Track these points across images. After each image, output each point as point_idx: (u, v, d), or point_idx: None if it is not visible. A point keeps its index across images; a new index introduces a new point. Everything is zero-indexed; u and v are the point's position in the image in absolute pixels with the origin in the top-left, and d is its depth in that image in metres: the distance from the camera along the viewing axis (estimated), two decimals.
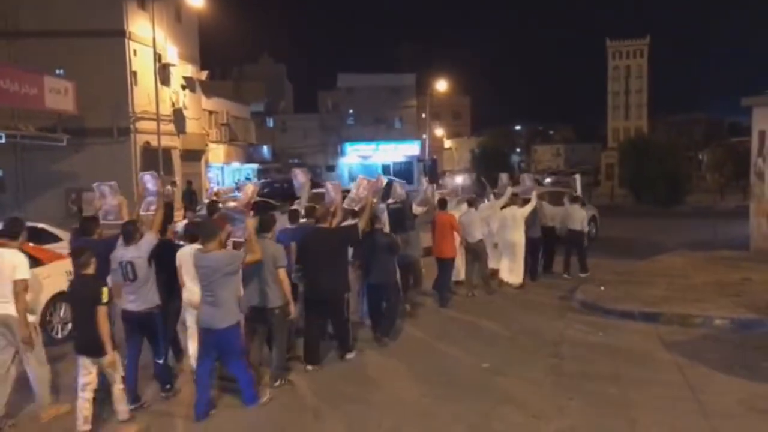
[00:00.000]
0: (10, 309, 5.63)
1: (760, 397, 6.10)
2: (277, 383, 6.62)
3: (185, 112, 27.40)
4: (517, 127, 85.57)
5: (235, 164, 38.21)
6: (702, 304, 9.26)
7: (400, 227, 9.43)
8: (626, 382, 6.65)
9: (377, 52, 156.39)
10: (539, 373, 7.00)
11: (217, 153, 34.12)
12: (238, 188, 32.76)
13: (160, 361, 6.30)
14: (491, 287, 11.17)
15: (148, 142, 24.59)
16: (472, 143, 58.33)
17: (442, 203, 10.72)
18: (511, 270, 11.47)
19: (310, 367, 7.17)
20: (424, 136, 52.91)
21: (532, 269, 11.99)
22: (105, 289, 5.42)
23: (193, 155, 29.16)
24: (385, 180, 9.66)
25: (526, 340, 8.33)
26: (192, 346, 6.72)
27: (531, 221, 11.64)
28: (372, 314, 8.52)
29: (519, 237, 11.42)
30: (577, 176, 14.31)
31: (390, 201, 9.66)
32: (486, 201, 12.19)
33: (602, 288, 10.84)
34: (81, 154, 22.68)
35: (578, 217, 12.44)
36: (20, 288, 5.63)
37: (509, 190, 11.93)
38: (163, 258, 6.36)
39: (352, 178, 51.26)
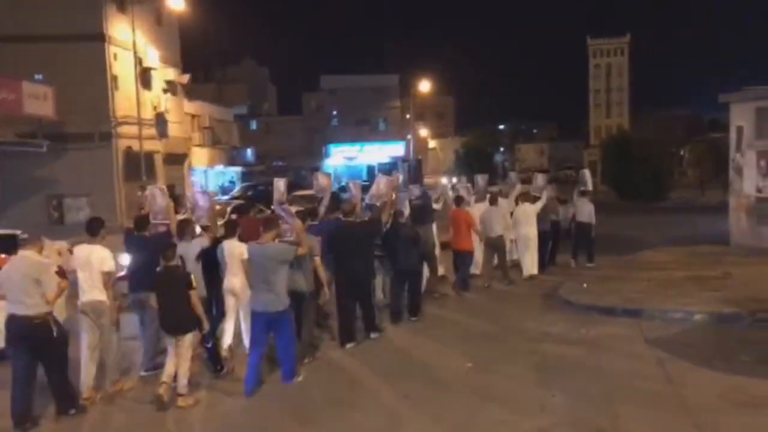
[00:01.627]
0: (101, 296, 6.54)
1: (741, 390, 6.14)
2: (306, 360, 7.37)
3: (167, 116, 27.22)
4: (501, 127, 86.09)
5: (219, 167, 38.05)
6: (683, 299, 9.31)
7: (421, 221, 10.34)
8: (608, 377, 6.67)
9: (361, 53, 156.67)
10: (522, 370, 7.01)
11: (200, 156, 33.94)
12: (224, 192, 32.77)
13: (209, 345, 7.09)
14: (510, 278, 11.91)
15: (129, 147, 24.38)
16: (456, 143, 58.58)
17: (458, 200, 11.61)
18: (532, 263, 12.29)
19: (349, 345, 8.03)
20: (409, 136, 53.04)
21: (541, 260, 12.65)
22: (193, 276, 6.53)
23: (176, 159, 28.96)
24: (401, 177, 11.09)
25: (509, 337, 8.35)
26: (229, 329, 7.68)
27: (541, 216, 12.52)
28: (396, 297, 9.42)
29: (532, 231, 12.30)
30: (587, 171, 14.76)
31: (413, 197, 10.90)
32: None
33: (585, 285, 10.88)
34: (62, 159, 22.41)
35: (587, 210, 13.14)
36: (108, 278, 6.56)
37: (545, 193, 12.89)
38: (210, 257, 7.46)
39: (337, 180, 51.30)
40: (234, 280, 7.55)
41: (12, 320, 5.95)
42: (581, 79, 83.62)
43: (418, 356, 7.72)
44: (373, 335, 8.41)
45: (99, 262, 6.52)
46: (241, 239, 7.68)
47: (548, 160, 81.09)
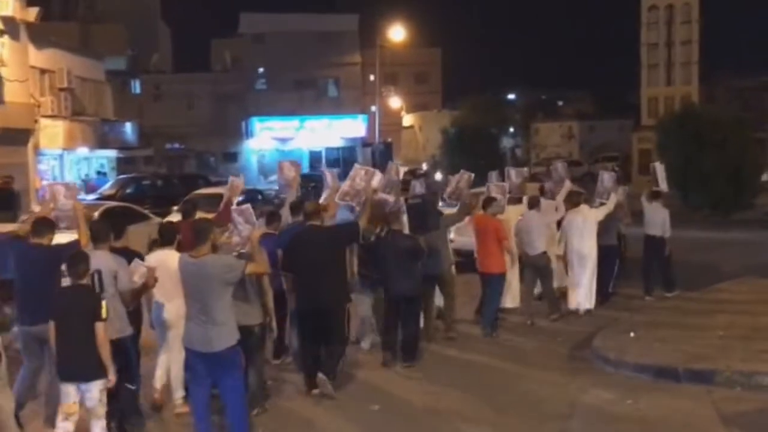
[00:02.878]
0: None
1: None
2: (255, 412, 8.09)
3: (2, 71, 26.81)
4: (511, 96, 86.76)
5: (82, 150, 37.45)
6: None
7: (420, 227, 10.95)
8: None
9: None
10: None
11: (53, 134, 33.34)
12: (88, 188, 32.30)
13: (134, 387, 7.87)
14: (560, 311, 12.60)
15: None
16: (445, 119, 58.73)
17: (487, 202, 11.93)
18: (588, 292, 12.84)
19: (316, 392, 8.90)
20: (373, 108, 53.13)
21: (601, 288, 13.23)
22: (104, 303, 6.92)
23: (15, 137, 28.43)
24: (400, 169, 11.99)
25: (522, 411, 8.44)
26: (161, 371, 8.63)
27: (605, 226, 13.09)
28: (386, 332, 10.27)
29: (591, 247, 12.79)
30: (659, 165, 15.31)
31: (409, 195, 11.73)
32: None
33: (632, 334, 11.00)
34: None
35: (659, 219, 13.87)
36: None
37: (613, 196, 13.33)
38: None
39: (263, 172, 51.22)
40: (168, 307, 8.25)
41: None
42: (629, 28, 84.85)
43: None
44: (325, 389, 8.86)
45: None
46: (179, 251, 8.29)
47: (579, 146, 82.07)
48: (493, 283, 11.79)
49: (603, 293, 13.34)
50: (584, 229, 12.75)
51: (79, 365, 6.81)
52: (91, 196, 27.00)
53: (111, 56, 44.43)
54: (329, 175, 11.24)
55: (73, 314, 6.82)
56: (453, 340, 11.44)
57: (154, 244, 9.04)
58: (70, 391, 6.88)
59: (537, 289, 12.88)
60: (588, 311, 12.81)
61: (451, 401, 8.95)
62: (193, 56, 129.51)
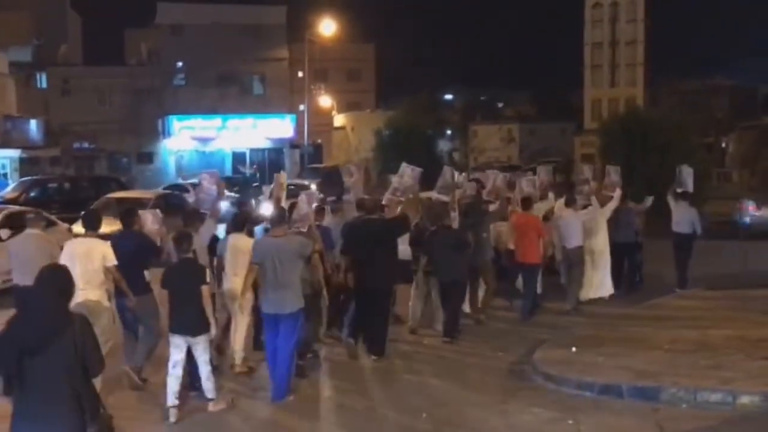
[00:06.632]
0: (98, 295, 9.35)
1: None
2: (309, 356, 10.76)
3: None
4: (448, 97, 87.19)
5: None
6: (722, 373, 9.56)
7: (469, 224, 13.14)
8: None
9: None
10: None
11: None
12: None
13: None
14: (576, 302, 14.32)
15: None
16: (379, 120, 58.72)
17: (526, 202, 14.08)
18: (599, 284, 14.88)
19: (374, 357, 11.34)
20: (302, 107, 52.93)
21: (630, 277, 15.89)
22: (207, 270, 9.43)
23: None
24: (455, 173, 14.82)
25: None
26: (240, 339, 10.63)
27: (618, 223, 15.29)
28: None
29: (603, 243, 14.85)
30: (685, 168, 16.87)
31: (461, 196, 14.06)
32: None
33: (574, 349, 11.07)
34: None
35: (686, 218, 15.65)
36: (110, 274, 9.50)
37: (618, 191, 15.52)
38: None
39: (181, 175, 50.48)
40: (236, 281, 10.20)
41: None
42: (572, 26, 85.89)
43: None
44: (374, 359, 11.34)
45: (100, 257, 9.26)
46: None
47: (519, 150, 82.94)
48: (533, 272, 13.76)
49: (633, 283, 15.83)
50: (596, 225, 14.75)
51: (190, 322, 8.94)
52: None
53: (14, 46, 43.52)
54: (305, 198, 11.79)
55: (185, 282, 9.03)
56: (481, 323, 13.38)
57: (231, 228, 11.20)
58: (179, 343, 8.98)
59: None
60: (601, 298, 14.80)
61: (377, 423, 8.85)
62: (105, 48, 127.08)
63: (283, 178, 13.05)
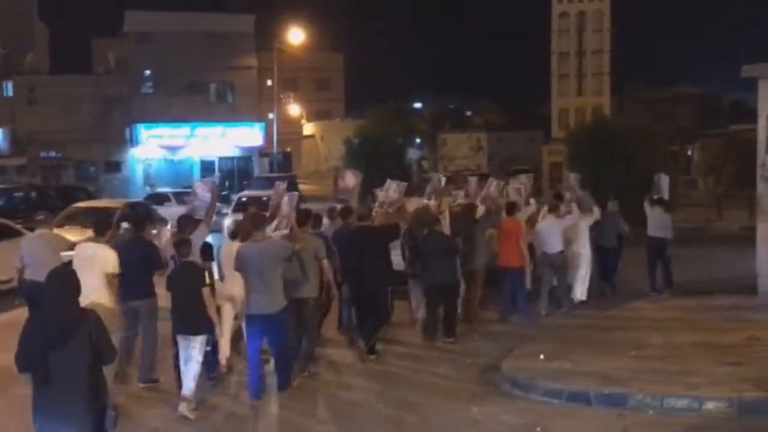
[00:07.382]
0: (103, 299, 9.70)
1: None
2: (305, 374, 10.75)
3: None
4: (417, 105, 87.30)
5: None
6: (688, 379, 9.67)
7: (459, 230, 13.69)
8: None
9: None
10: None
11: None
12: None
13: (208, 348, 9.84)
14: (567, 304, 14.87)
15: None
16: (348, 129, 58.71)
17: (511, 207, 14.55)
18: (579, 286, 15.43)
19: (372, 357, 11.81)
20: (271, 115, 52.84)
21: (609, 279, 16.53)
22: (206, 273, 9.93)
23: None
24: (442, 178, 17.01)
25: None
26: (226, 341, 10.91)
27: (602, 228, 16.02)
28: (428, 317, 12.92)
29: (584, 248, 15.38)
30: (663, 176, 17.91)
31: (452, 203, 14.89)
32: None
33: (542, 356, 11.14)
34: None
35: (660, 222, 16.35)
36: (112, 280, 10.08)
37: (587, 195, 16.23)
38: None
39: (149, 183, 50.22)
40: (235, 284, 10.58)
41: None
42: (539, 36, 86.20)
43: None
44: (371, 357, 11.84)
45: (104, 263, 9.92)
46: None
47: (487, 158, 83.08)
48: (515, 275, 14.11)
49: (611, 285, 16.48)
50: (577, 232, 15.27)
51: (190, 322, 9.40)
52: None
53: None
54: (287, 201, 11.91)
55: (186, 284, 9.47)
56: (471, 324, 13.71)
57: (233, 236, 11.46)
58: (182, 341, 9.49)
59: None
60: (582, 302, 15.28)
61: None
62: (72, 56, 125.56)
63: (283, 186, 13.09)
